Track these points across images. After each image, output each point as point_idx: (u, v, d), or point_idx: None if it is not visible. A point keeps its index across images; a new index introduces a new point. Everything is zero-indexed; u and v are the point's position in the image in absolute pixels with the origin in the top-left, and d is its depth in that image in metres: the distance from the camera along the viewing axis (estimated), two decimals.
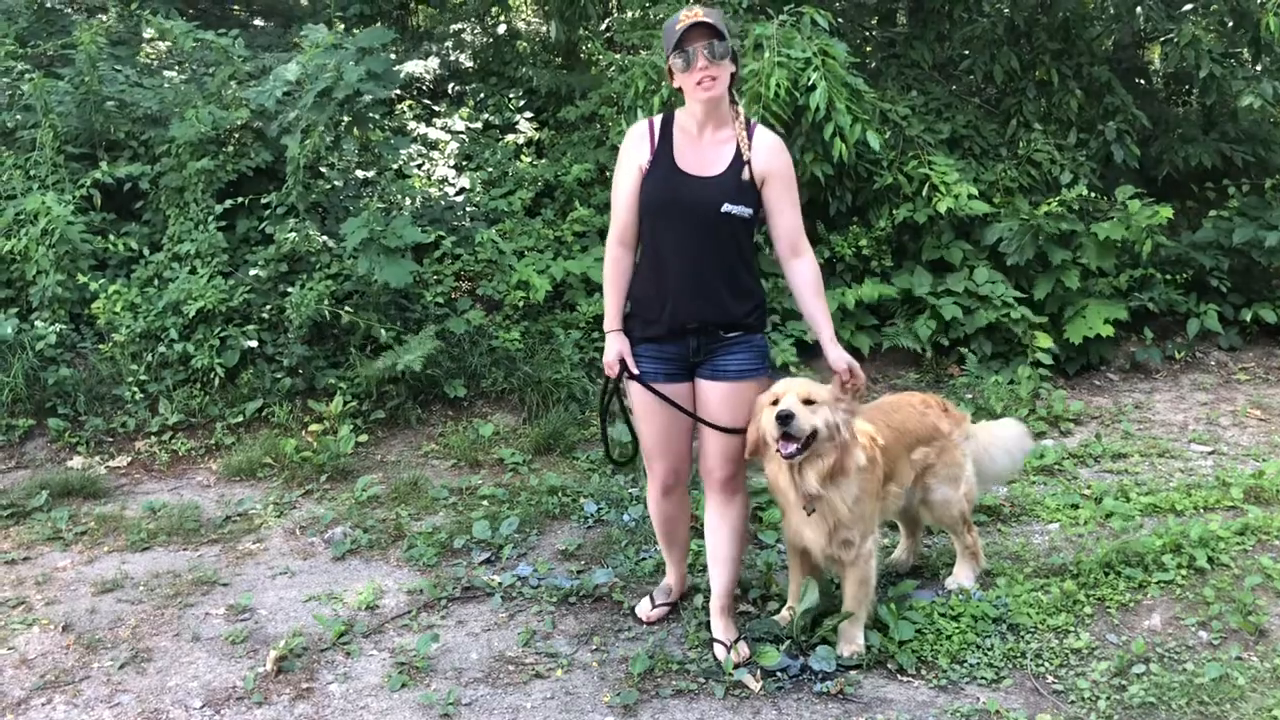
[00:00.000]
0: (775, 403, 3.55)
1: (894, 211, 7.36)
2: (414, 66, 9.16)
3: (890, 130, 7.40)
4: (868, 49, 9.09)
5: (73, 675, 3.81)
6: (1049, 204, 7.27)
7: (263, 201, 6.54)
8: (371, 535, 4.95)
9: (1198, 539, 4.47)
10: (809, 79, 6.62)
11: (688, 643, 3.96)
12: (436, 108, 9.01)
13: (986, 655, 3.86)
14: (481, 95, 9.23)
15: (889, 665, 3.81)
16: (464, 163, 8.26)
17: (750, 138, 3.63)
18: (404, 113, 8.63)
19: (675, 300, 3.64)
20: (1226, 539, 4.54)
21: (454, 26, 10.46)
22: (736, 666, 3.74)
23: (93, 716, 3.58)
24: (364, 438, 5.99)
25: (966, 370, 7.05)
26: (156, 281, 6.37)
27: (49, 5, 8.46)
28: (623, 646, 3.97)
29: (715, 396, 3.70)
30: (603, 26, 9.64)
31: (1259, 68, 8.23)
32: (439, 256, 6.98)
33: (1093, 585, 4.28)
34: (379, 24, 8.60)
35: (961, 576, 4.36)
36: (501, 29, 10.49)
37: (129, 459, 5.85)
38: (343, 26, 8.79)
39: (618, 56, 8.50)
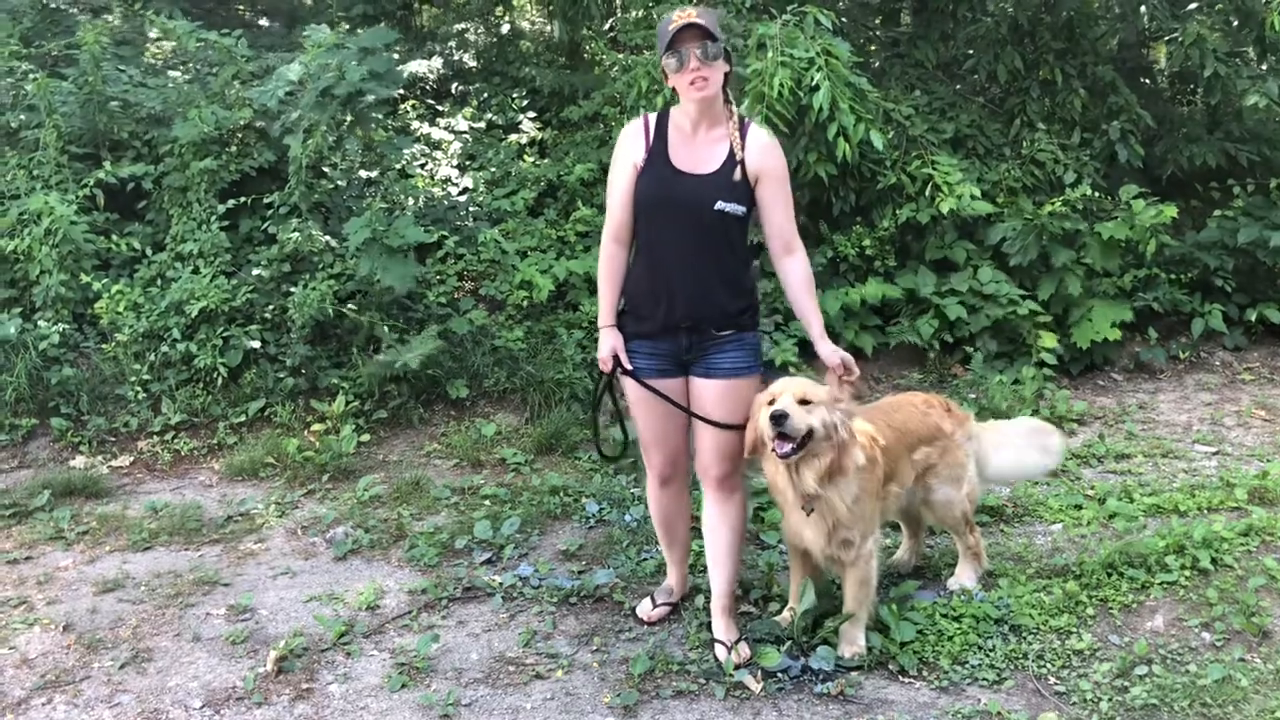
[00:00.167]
0: (772, 403, 3.54)
1: (897, 211, 7.34)
2: (417, 66, 9.16)
3: (894, 130, 7.39)
4: (871, 48, 9.08)
5: (73, 675, 3.81)
6: (1052, 204, 7.25)
7: (265, 201, 6.55)
8: (373, 535, 4.95)
9: (1201, 540, 4.45)
10: (812, 79, 6.61)
11: (688, 643, 3.95)
12: (440, 107, 9.01)
13: (988, 656, 3.85)
14: (485, 95, 9.22)
15: (890, 666, 3.80)
16: (467, 162, 8.27)
17: (744, 137, 3.67)
18: (407, 112, 8.63)
19: (669, 297, 3.67)
20: (1230, 540, 4.52)
21: (457, 26, 10.45)
22: (737, 667, 3.73)
23: (93, 716, 3.59)
24: (366, 437, 5.99)
25: (971, 370, 7.03)
26: (159, 281, 6.38)
27: (53, 5, 8.47)
28: (623, 647, 3.96)
29: (709, 394, 3.73)
30: (606, 26, 9.63)
31: (1264, 67, 8.20)
32: (442, 256, 6.98)
33: (1095, 586, 4.26)
34: (382, 24, 8.60)
35: (963, 577, 4.34)
36: (505, 28, 10.49)
37: (131, 458, 5.86)
38: (346, 26, 8.79)
39: (621, 56, 8.49)
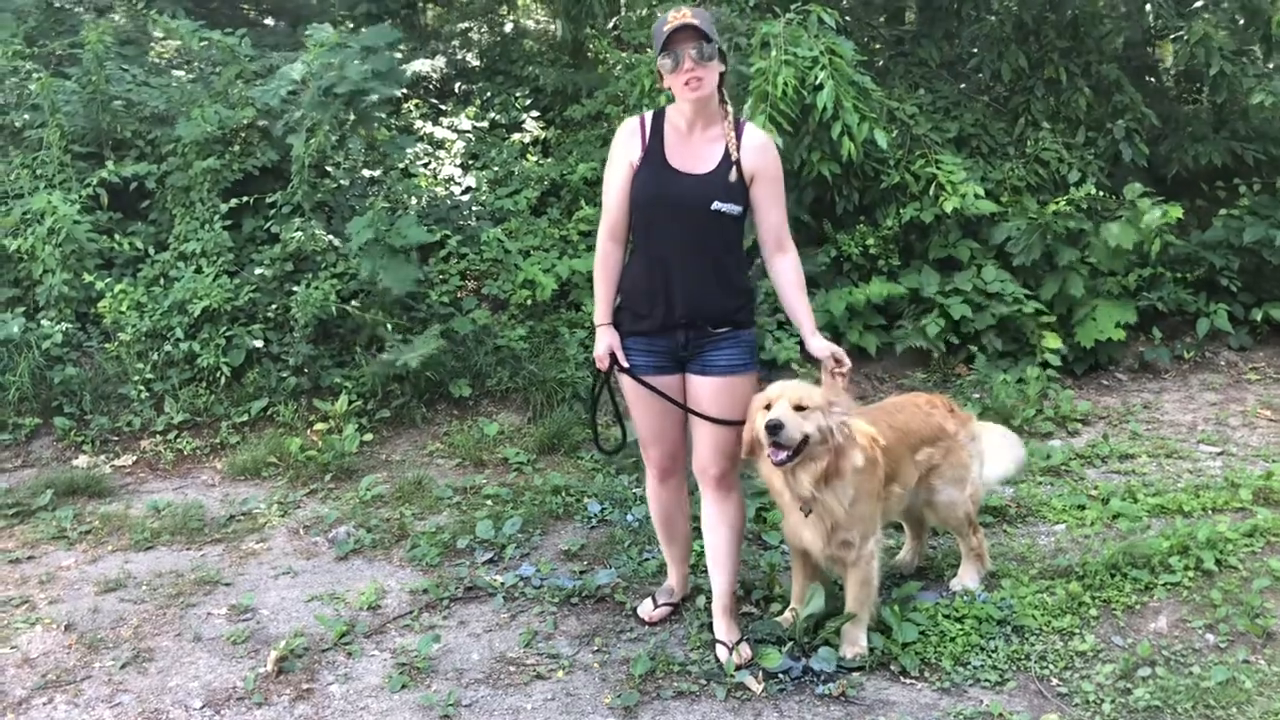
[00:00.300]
0: (768, 407, 3.54)
1: (901, 210, 7.33)
2: (421, 65, 9.15)
3: (897, 129, 7.37)
4: (875, 47, 9.05)
5: (74, 675, 3.81)
6: (1057, 203, 7.23)
7: (268, 201, 6.55)
8: (375, 535, 4.95)
9: (1205, 541, 4.43)
10: (816, 77, 6.59)
11: (690, 644, 3.94)
12: (443, 106, 9.01)
13: (990, 658, 3.83)
14: (488, 94, 9.22)
15: (892, 667, 3.79)
16: (470, 161, 8.26)
17: (739, 137, 3.67)
18: (410, 111, 8.63)
19: (665, 296, 3.68)
20: (1234, 541, 4.50)
21: (461, 25, 10.45)
22: (738, 668, 3.72)
23: (93, 716, 3.58)
24: (369, 437, 5.99)
25: (975, 370, 7.02)
26: (162, 281, 6.38)
27: (58, 4, 8.47)
28: (624, 648, 3.96)
29: (705, 392, 3.74)
30: (610, 25, 9.62)
31: (1270, 65, 8.17)
32: (445, 256, 6.98)
33: (1098, 587, 4.25)
34: (387, 23, 8.59)
35: (966, 578, 4.33)
36: (509, 27, 10.48)
37: (134, 458, 5.86)
38: (351, 25, 8.79)
39: (624, 55, 8.48)
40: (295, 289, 6.22)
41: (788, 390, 3.58)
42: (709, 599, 3.98)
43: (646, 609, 4.16)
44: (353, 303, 6.33)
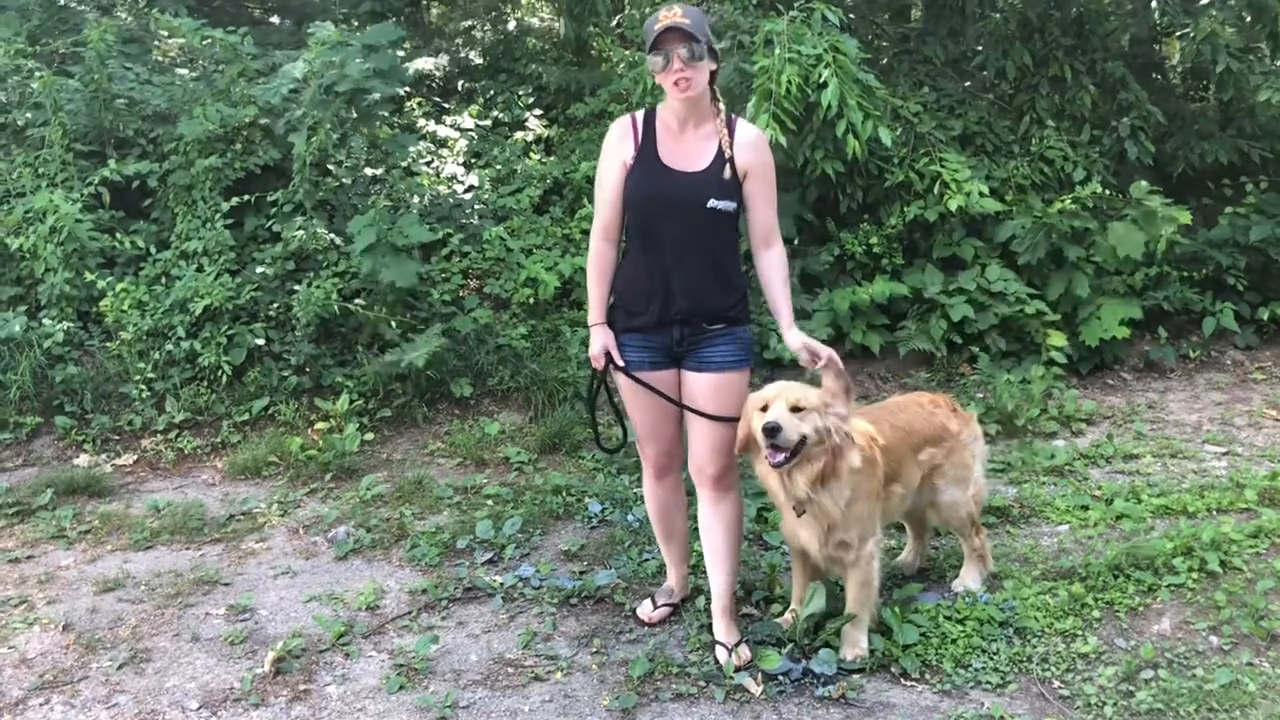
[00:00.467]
0: (765, 408, 3.52)
1: (905, 209, 7.30)
2: (424, 63, 9.14)
3: (902, 127, 7.34)
4: (880, 45, 9.00)
5: (71, 675, 3.81)
6: (1062, 202, 7.19)
7: (270, 199, 6.54)
8: (375, 535, 4.94)
9: (1210, 542, 4.40)
10: (820, 76, 6.54)
11: (689, 645, 3.92)
12: (446, 105, 8.99)
13: (992, 659, 3.81)
14: (491, 92, 9.21)
15: (892, 669, 3.77)
16: (473, 160, 8.24)
17: (732, 134, 3.67)
18: (413, 110, 8.62)
19: (661, 293, 3.68)
20: (1239, 542, 4.47)
21: (464, 23, 10.44)
22: (737, 670, 3.70)
23: (89, 717, 3.58)
24: (370, 436, 5.98)
25: (978, 369, 6.98)
26: (164, 279, 6.37)
27: (61, 3, 8.47)
28: (623, 649, 3.94)
29: (701, 388, 3.73)
30: (613, 23, 9.60)
31: (1277, 62, 8.12)
32: (447, 254, 6.97)
33: (1101, 588, 4.22)
34: (390, 21, 8.58)
35: (968, 579, 4.30)
36: (512, 25, 10.46)
37: (135, 457, 5.86)
38: (354, 24, 8.78)
39: (627, 53, 8.46)
40: (297, 288, 6.21)
41: (784, 391, 3.56)
42: (709, 600, 3.96)
43: (646, 610, 4.14)
44: (355, 301, 6.32)
